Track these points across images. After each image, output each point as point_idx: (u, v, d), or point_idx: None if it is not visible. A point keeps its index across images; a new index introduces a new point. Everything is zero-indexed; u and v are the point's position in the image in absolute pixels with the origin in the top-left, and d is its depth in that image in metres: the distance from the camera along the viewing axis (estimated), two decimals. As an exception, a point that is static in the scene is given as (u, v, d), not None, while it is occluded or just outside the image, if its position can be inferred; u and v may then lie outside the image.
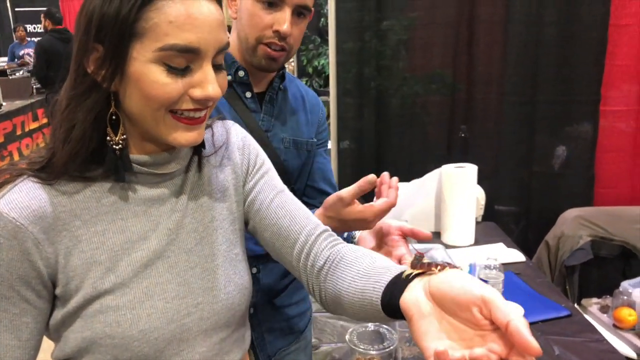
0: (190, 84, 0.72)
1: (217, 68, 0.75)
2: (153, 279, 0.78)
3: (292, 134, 1.27)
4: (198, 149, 0.86)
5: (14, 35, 8.19)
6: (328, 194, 1.14)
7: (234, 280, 0.86)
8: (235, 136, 0.93)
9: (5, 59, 7.99)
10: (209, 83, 0.73)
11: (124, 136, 0.76)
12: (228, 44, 0.76)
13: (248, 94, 1.21)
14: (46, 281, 0.74)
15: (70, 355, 0.77)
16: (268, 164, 0.95)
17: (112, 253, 0.76)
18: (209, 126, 0.91)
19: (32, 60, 6.85)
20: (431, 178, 2.24)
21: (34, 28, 8.98)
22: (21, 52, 7.53)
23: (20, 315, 0.73)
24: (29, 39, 7.70)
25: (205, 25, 0.71)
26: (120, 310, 0.75)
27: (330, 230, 0.90)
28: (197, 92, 0.72)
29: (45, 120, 6.15)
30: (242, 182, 0.91)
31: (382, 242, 1.12)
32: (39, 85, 6.33)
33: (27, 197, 0.72)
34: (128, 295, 0.76)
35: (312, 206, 1.16)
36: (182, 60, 0.70)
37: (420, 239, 1.05)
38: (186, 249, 0.82)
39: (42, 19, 5.78)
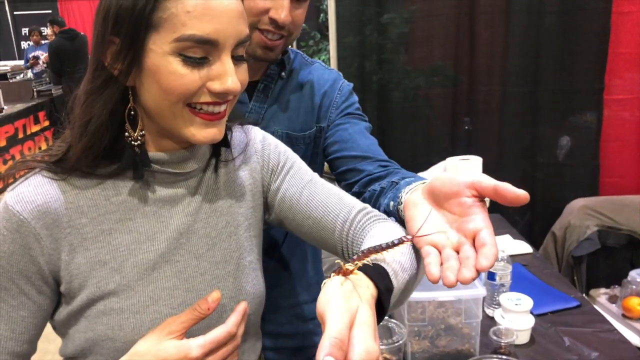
0: (209, 77, 0.70)
1: (237, 60, 0.73)
2: (159, 283, 0.76)
3: (288, 126, 1.15)
4: (217, 150, 0.83)
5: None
6: (356, 159, 1.05)
7: (245, 289, 0.83)
8: (254, 139, 0.90)
9: (6, 62, 8.05)
10: (228, 76, 0.70)
11: (143, 132, 0.74)
12: (249, 36, 0.73)
13: None
14: (47, 277, 0.73)
15: (74, 354, 0.76)
16: (292, 157, 0.92)
17: (117, 253, 0.75)
18: (229, 129, 0.86)
19: (41, 61, 7.41)
20: (437, 171, 2.22)
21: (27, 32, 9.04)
22: (31, 54, 7.63)
23: (17, 308, 0.73)
24: (43, 42, 7.78)
25: (224, 16, 0.68)
26: (123, 314, 0.74)
27: (367, 207, 0.85)
28: (215, 85, 0.70)
29: (47, 123, 6.17)
30: (260, 186, 0.88)
31: (442, 207, 0.72)
32: (40, 88, 6.43)
33: (34, 191, 0.71)
34: (133, 299, 0.74)
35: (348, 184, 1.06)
36: (199, 50, 0.68)
37: (510, 202, 0.66)
38: (197, 254, 0.80)
39: (49, 26, 6.65)
